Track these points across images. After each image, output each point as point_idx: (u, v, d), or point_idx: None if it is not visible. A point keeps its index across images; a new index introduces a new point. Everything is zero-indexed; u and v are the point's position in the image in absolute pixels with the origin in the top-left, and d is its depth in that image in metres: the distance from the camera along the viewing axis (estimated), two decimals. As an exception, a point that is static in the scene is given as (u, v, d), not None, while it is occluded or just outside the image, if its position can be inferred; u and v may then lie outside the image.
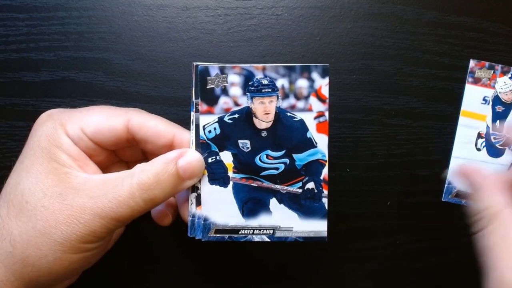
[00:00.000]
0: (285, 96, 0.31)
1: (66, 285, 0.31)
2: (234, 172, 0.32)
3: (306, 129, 0.31)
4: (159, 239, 0.40)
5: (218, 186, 0.31)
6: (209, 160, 0.31)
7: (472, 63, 0.38)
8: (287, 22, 0.39)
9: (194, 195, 0.32)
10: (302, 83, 0.31)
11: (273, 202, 0.32)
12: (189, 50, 0.39)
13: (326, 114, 0.31)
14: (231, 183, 0.32)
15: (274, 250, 0.40)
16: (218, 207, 0.32)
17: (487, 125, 0.41)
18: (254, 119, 0.31)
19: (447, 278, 0.41)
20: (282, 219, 0.32)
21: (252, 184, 0.32)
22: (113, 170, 0.30)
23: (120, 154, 0.34)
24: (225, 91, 0.31)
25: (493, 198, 0.30)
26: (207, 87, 0.31)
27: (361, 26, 0.40)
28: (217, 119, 0.31)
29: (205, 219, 0.32)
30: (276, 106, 0.31)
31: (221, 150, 0.31)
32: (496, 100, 0.40)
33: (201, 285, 0.40)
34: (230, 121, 0.31)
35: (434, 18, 0.40)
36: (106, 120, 0.30)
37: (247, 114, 0.31)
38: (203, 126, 0.31)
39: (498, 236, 0.28)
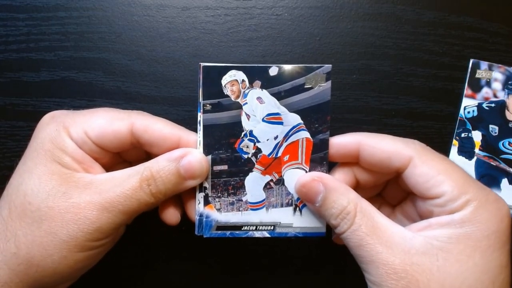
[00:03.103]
0: None
1: (67, 286, 0.31)
2: (479, 150, 0.39)
3: None
4: (159, 239, 0.40)
5: (464, 158, 0.39)
6: (462, 135, 0.37)
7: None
8: (287, 22, 0.39)
9: (202, 194, 0.32)
10: None
11: (505, 181, 0.39)
12: (189, 50, 0.39)
13: None
14: (475, 157, 0.39)
15: (275, 251, 0.40)
16: None
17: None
18: (506, 111, 0.38)
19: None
20: (506, 199, 0.35)
21: (492, 163, 0.39)
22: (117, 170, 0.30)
23: (124, 155, 0.34)
24: (488, 84, 0.39)
25: (346, 196, 0.29)
26: (476, 76, 0.38)
27: (361, 26, 0.40)
28: (477, 104, 0.39)
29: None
30: None
31: (473, 129, 0.39)
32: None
33: (202, 284, 0.40)
34: (487, 108, 0.38)
35: (434, 18, 0.40)
36: (109, 124, 0.30)
37: (502, 106, 0.39)
38: (464, 107, 0.39)
39: (367, 228, 0.28)
